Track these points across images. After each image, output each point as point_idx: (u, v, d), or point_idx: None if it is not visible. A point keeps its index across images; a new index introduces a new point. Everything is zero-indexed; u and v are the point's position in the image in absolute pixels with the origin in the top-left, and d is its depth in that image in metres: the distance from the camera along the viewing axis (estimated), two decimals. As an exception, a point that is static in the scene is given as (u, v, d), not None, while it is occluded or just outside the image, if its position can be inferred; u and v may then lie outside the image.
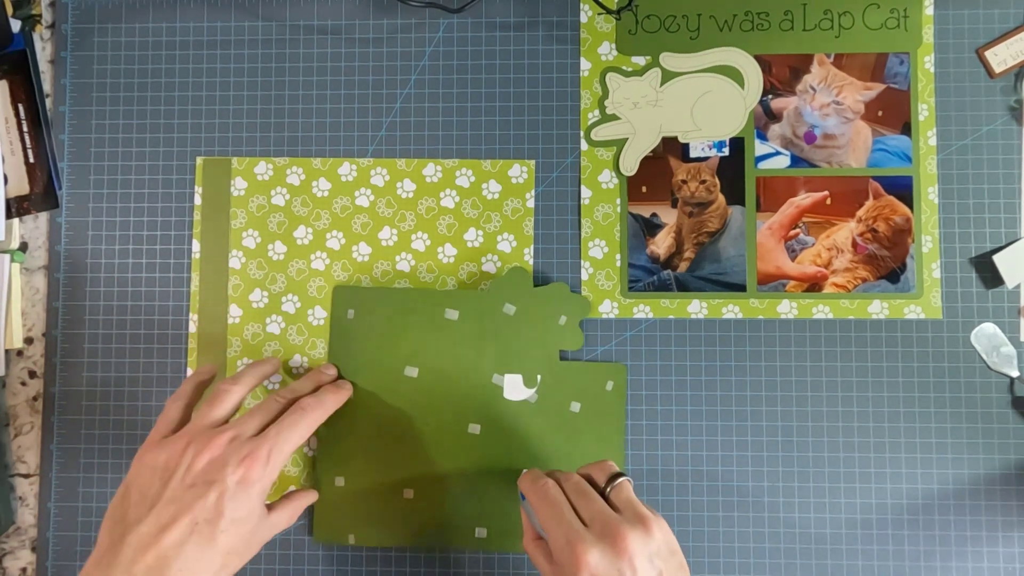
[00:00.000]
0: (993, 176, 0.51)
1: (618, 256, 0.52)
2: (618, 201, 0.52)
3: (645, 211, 0.52)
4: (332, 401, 0.47)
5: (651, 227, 0.52)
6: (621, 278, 0.52)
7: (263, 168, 0.53)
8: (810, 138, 0.52)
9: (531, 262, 0.52)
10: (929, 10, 0.51)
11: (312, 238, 0.53)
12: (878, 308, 0.51)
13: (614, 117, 0.52)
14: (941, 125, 0.51)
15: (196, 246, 0.53)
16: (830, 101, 0.51)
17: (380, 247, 0.52)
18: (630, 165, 0.52)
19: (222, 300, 0.52)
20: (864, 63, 0.51)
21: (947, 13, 0.52)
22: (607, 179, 0.52)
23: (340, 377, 0.51)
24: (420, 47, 0.53)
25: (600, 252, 0.52)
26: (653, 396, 0.51)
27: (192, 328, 0.52)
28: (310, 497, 0.49)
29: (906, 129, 0.51)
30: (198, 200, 0.53)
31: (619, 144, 0.52)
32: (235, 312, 0.52)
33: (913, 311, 0.51)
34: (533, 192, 0.52)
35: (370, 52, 0.53)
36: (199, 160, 0.53)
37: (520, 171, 0.52)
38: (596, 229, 0.52)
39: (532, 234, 0.52)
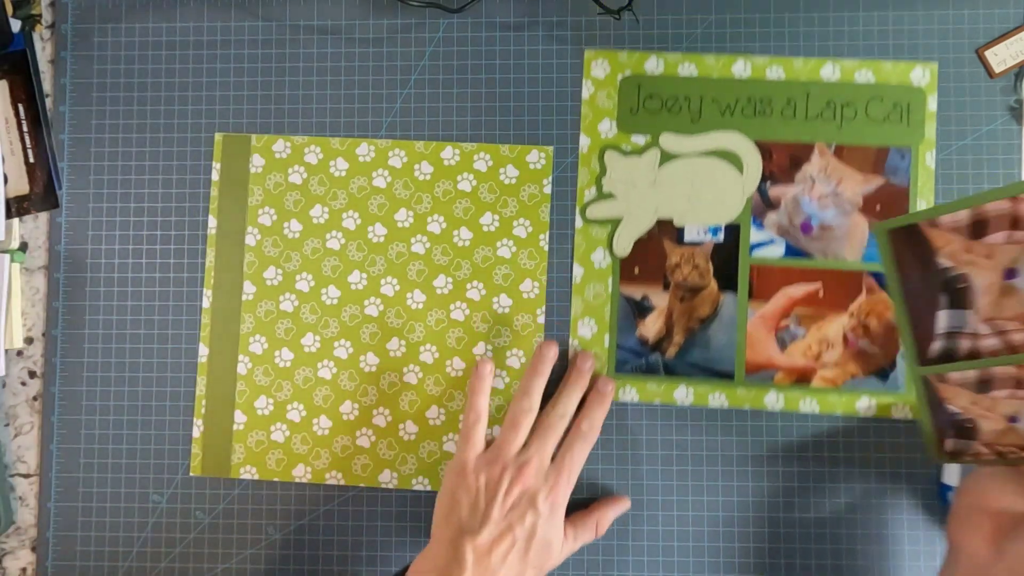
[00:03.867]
0: (993, 176, 0.51)
1: (607, 336, 0.51)
2: (610, 281, 0.51)
3: (637, 293, 0.51)
4: (601, 416, 0.49)
5: (642, 309, 0.51)
6: (609, 359, 0.51)
7: (281, 146, 0.53)
8: (807, 228, 0.51)
9: (546, 248, 0.52)
10: (932, 106, 0.51)
11: (328, 217, 0.53)
12: (866, 405, 0.50)
13: (610, 196, 0.52)
14: (941, 125, 0.51)
15: (212, 222, 0.53)
16: (829, 192, 0.51)
17: (396, 228, 0.52)
18: (624, 246, 0.51)
19: (237, 277, 0.53)
20: (865, 155, 0.51)
21: (947, 13, 0.52)
22: (600, 258, 0.52)
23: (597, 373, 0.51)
24: (420, 47, 0.53)
25: (589, 332, 0.51)
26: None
27: (206, 304, 0.53)
28: (618, 508, 0.51)
29: None
30: (215, 176, 0.53)
31: (613, 223, 0.52)
32: (249, 289, 0.53)
33: (901, 410, 0.50)
34: (550, 178, 0.52)
35: (370, 52, 0.53)
36: (218, 136, 0.53)
37: (538, 157, 0.52)
38: (586, 308, 0.52)
39: (548, 220, 0.52)
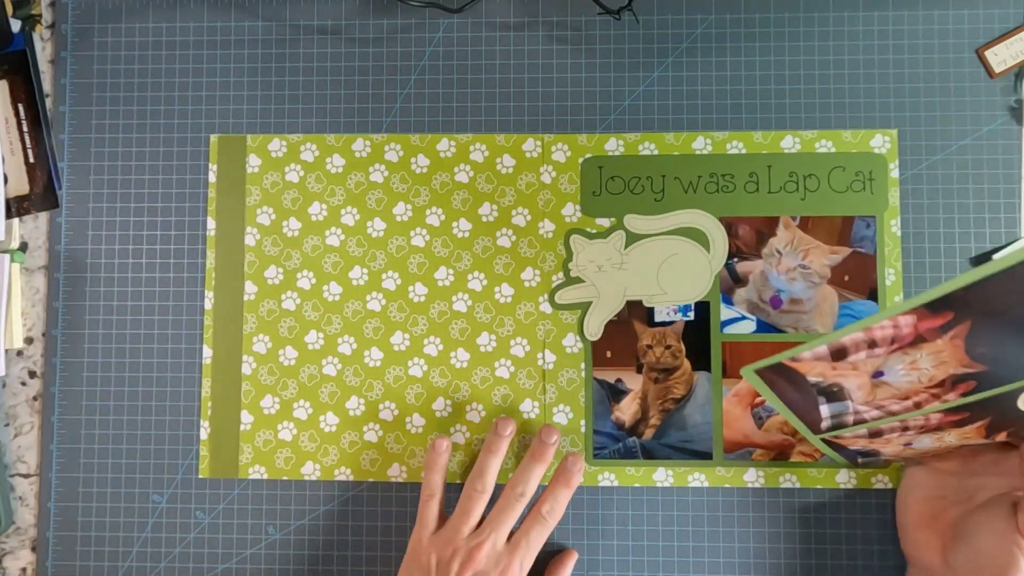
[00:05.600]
0: (993, 176, 0.51)
1: (583, 422, 0.51)
2: (583, 366, 0.51)
3: (610, 376, 0.51)
4: (565, 499, 0.48)
5: (616, 393, 0.51)
6: (586, 445, 0.51)
7: (276, 145, 0.53)
8: (776, 303, 0.51)
9: (545, 236, 0.52)
10: (895, 173, 0.51)
11: (327, 214, 0.53)
12: (845, 478, 0.50)
13: (578, 280, 0.52)
14: (941, 125, 0.51)
15: (211, 224, 0.53)
16: (796, 265, 0.50)
17: (395, 222, 0.53)
18: (594, 330, 0.51)
19: (238, 278, 0.53)
20: (830, 226, 0.50)
21: (947, 13, 0.52)
22: (571, 343, 0.51)
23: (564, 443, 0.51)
24: (420, 47, 0.53)
25: (565, 418, 0.51)
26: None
27: (208, 305, 0.53)
28: (568, 565, 0.50)
29: (872, 295, 0.50)
30: (212, 178, 0.53)
31: (583, 307, 0.52)
32: (250, 289, 0.53)
33: (881, 480, 0.50)
34: (547, 166, 0.52)
35: (370, 52, 0.53)
36: (213, 138, 0.53)
37: (534, 145, 0.52)
38: (561, 395, 0.51)
39: (546, 208, 0.52)
